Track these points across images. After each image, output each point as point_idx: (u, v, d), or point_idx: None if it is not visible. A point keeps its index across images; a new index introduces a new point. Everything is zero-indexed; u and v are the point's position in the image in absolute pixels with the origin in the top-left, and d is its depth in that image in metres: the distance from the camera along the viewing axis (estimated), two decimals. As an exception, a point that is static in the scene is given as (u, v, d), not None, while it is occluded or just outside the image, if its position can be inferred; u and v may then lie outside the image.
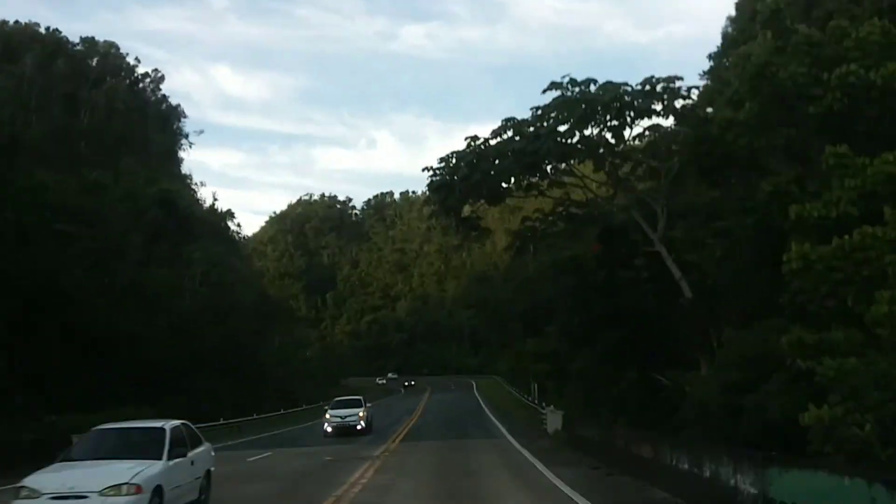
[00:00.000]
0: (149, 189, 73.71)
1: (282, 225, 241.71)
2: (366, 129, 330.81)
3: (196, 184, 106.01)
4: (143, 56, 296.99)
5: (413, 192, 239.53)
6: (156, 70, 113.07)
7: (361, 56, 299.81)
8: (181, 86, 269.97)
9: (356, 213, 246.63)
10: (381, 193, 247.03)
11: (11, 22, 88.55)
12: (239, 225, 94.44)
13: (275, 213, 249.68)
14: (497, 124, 26.57)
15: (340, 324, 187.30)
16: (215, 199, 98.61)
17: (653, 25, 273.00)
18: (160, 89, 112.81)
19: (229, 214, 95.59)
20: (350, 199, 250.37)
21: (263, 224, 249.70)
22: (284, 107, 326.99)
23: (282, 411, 56.35)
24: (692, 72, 73.05)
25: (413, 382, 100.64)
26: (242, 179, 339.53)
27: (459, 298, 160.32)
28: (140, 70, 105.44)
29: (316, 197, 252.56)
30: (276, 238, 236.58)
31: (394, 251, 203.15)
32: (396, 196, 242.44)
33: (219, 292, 62.60)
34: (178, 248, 65.77)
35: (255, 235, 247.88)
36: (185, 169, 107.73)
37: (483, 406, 48.64)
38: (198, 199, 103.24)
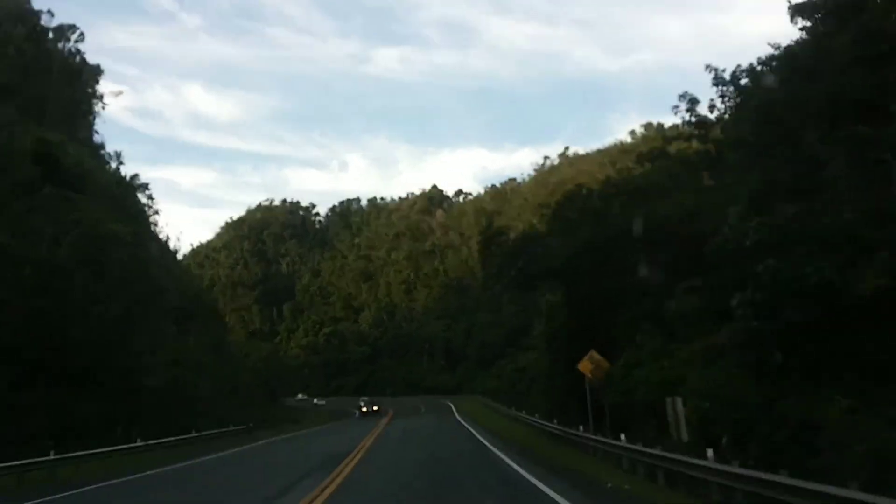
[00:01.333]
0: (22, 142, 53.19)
1: (238, 231, 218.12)
2: (338, 150, 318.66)
3: (111, 154, 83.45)
4: (115, 73, 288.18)
5: (381, 199, 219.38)
6: (73, 26, 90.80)
7: (333, 77, 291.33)
8: (153, 104, 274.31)
9: (320, 220, 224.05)
10: (348, 200, 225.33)
11: None
12: (151, 197, 71.66)
13: (231, 218, 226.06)
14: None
15: (297, 337, 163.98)
16: (120, 163, 75.56)
17: (622, 53, 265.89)
18: (73, 44, 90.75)
19: (139, 186, 72.80)
20: (314, 206, 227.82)
21: (219, 230, 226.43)
22: (256, 126, 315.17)
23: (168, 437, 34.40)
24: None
25: (376, 408, 71.49)
26: (213, 198, 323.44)
27: (431, 308, 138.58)
28: (54, 23, 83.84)
29: (277, 202, 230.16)
30: (231, 245, 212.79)
31: (359, 258, 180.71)
32: (363, 203, 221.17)
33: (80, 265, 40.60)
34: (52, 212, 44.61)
35: (209, 243, 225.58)
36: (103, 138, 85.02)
37: (489, 447, 23.37)
38: (110, 170, 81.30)
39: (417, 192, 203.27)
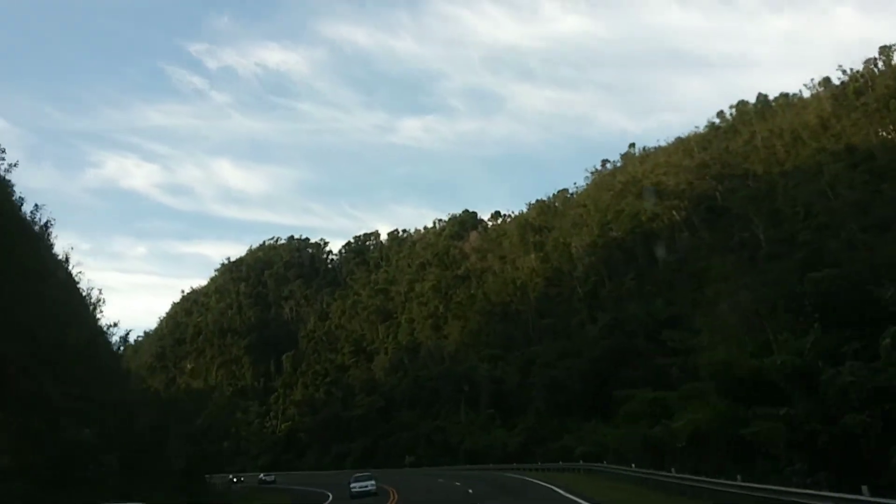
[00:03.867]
0: None
1: (235, 273, 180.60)
2: (366, 220, 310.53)
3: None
4: (147, 151, 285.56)
5: (403, 231, 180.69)
6: None
7: (360, 148, 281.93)
8: (185, 180, 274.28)
9: (332, 259, 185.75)
10: (365, 234, 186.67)
11: None
12: None
13: (228, 259, 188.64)
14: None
15: (295, 393, 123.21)
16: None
17: (645, 114, 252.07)
18: None
19: None
20: (325, 243, 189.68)
21: (214, 273, 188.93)
22: (285, 199, 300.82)
23: None
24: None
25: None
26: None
27: (468, 344, 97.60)
28: None
29: (283, 240, 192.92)
30: (225, 288, 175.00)
31: (375, 293, 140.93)
32: (383, 237, 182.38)
33: None
34: None
35: (202, 288, 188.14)
36: None
37: None
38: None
39: (446, 218, 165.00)
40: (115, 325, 46.80)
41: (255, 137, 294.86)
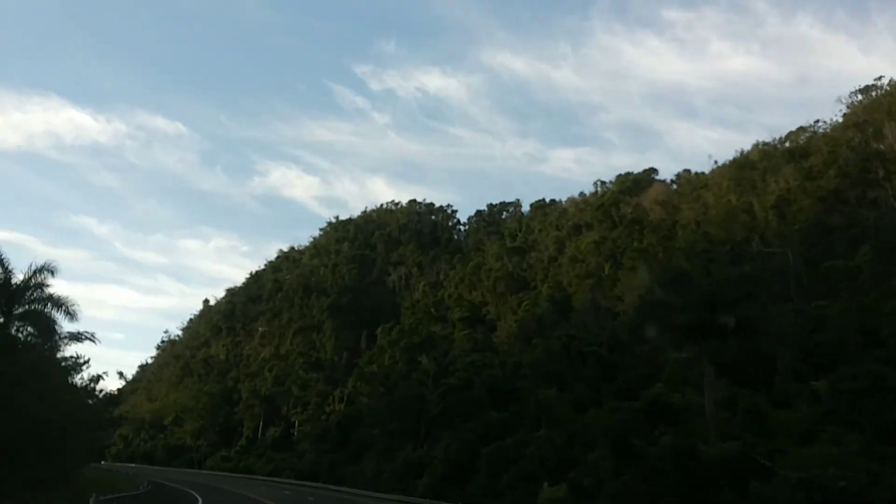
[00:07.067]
0: None
1: (342, 233, 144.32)
2: None
3: None
4: (309, 164, 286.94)
5: (552, 200, 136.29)
6: None
7: (510, 176, 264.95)
8: (340, 194, 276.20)
9: (460, 228, 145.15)
10: (503, 203, 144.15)
11: None
12: None
13: (335, 218, 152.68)
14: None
15: (374, 367, 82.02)
16: None
17: None
18: None
19: None
20: (453, 210, 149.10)
21: (319, 232, 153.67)
22: None
23: None
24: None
25: None
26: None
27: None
28: None
29: (404, 204, 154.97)
30: (325, 247, 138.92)
31: (508, 254, 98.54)
32: (525, 208, 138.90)
33: None
34: None
35: (304, 248, 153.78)
36: None
37: None
38: None
39: (610, 180, 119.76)
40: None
41: (409, 158, 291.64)
